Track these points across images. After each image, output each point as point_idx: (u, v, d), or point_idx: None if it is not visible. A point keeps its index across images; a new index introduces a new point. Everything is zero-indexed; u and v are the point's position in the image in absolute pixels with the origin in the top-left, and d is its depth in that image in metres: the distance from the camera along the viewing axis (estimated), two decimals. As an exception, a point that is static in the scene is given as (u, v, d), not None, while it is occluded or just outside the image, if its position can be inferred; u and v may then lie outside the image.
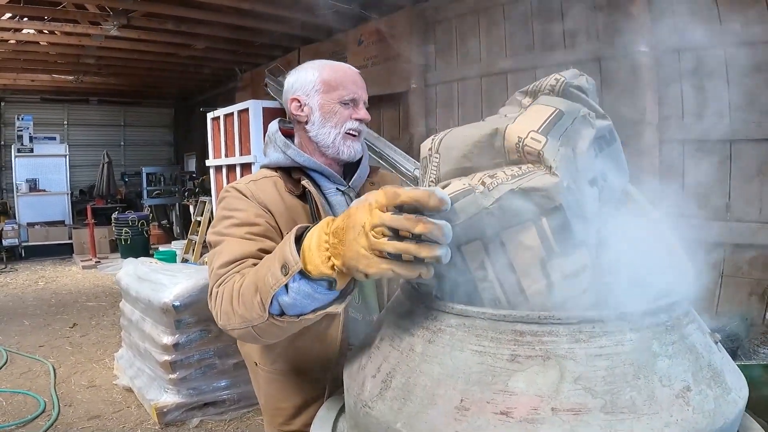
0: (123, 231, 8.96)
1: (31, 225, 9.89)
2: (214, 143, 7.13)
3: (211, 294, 1.04)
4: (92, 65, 8.12)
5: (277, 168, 1.31)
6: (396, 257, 0.67)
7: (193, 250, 7.82)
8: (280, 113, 6.12)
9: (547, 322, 0.63)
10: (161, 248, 8.65)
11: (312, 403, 1.24)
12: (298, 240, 0.82)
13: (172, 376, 2.81)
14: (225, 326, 0.97)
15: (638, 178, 3.43)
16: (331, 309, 0.83)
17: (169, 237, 10.49)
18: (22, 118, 10.08)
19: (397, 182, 1.51)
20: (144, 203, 11.11)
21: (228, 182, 6.86)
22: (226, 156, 6.78)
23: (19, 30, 6.22)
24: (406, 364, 0.70)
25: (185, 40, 6.81)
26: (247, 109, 6.11)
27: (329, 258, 0.76)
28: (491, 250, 0.72)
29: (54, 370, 3.72)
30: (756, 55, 3.75)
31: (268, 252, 1.07)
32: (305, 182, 1.26)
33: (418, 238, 0.65)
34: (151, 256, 8.50)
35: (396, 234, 0.66)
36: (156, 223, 10.62)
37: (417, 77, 5.52)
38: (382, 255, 0.67)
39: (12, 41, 6.61)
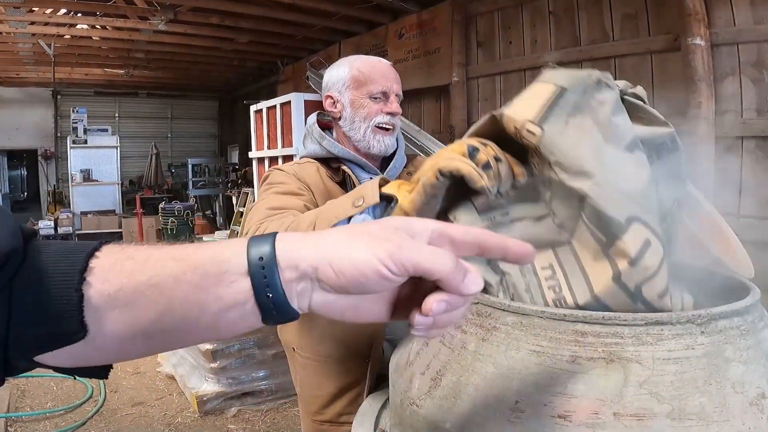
0: (169, 221, 9.22)
1: (84, 214, 10.29)
2: (257, 135, 7.23)
3: (249, 231, 1.06)
4: (141, 59, 8.37)
5: (315, 158, 1.36)
6: (471, 155, 0.72)
7: (235, 240, 7.99)
8: (321, 106, 6.14)
9: (611, 323, 0.60)
10: (205, 238, 8.87)
11: (345, 392, 1.26)
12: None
13: (213, 365, 2.87)
14: None
15: (692, 176, 3.29)
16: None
17: (212, 227, 10.74)
18: (77, 111, 10.49)
19: None
20: (189, 194, 11.40)
21: (269, 175, 6.98)
22: (269, 148, 6.87)
23: (73, 25, 6.47)
24: (457, 362, 0.67)
25: (229, 34, 6.93)
26: (289, 102, 6.16)
27: (400, 188, 0.82)
28: (560, 252, 0.70)
29: (103, 355, 3.86)
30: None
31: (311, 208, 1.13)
32: (345, 167, 1.30)
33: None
34: (195, 245, 8.74)
35: None
36: (200, 214, 10.89)
37: (458, 70, 5.44)
38: (462, 151, 0.72)
39: (67, 36, 6.87)
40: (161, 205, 9.65)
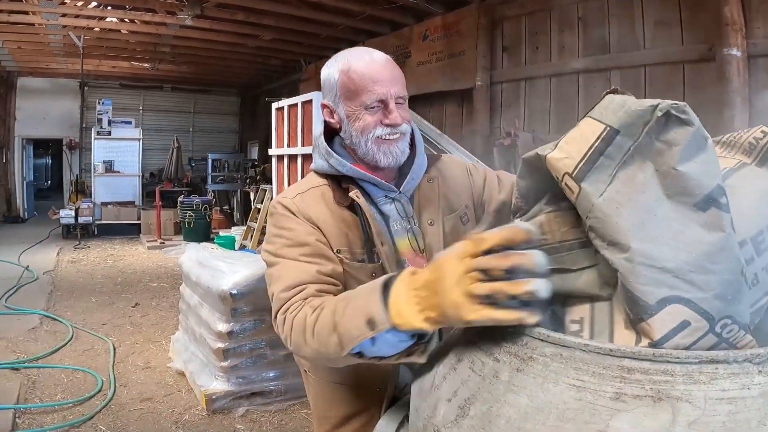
0: (187, 214, 9.27)
1: (104, 204, 10.41)
2: (278, 133, 7.23)
3: (275, 318, 1.03)
4: (167, 53, 8.46)
5: (325, 175, 1.21)
6: (494, 302, 0.64)
7: (252, 236, 8.01)
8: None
9: (662, 360, 0.54)
10: (221, 233, 8.91)
11: (358, 414, 1.21)
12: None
13: (223, 363, 2.85)
14: (295, 352, 1.01)
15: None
16: (413, 359, 0.82)
17: (229, 222, 10.80)
18: (103, 103, 10.64)
19: (459, 169, 1.35)
20: (208, 188, 11.48)
21: (288, 172, 6.98)
22: (289, 146, 6.87)
23: (103, 18, 6.55)
24: (488, 391, 0.63)
25: (254, 30, 6.97)
26: (310, 101, 6.14)
27: (422, 311, 0.74)
28: (597, 308, 0.65)
29: (114, 349, 3.86)
30: None
31: (326, 275, 1.07)
32: (353, 193, 1.15)
33: (512, 275, 0.63)
34: (212, 240, 8.78)
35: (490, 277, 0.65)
36: (218, 208, 10.96)
37: (482, 74, 5.39)
38: (480, 301, 0.65)
39: (96, 29, 6.97)
40: (180, 199, 9.72)
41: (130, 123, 11.40)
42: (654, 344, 0.59)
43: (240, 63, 9.46)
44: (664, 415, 0.52)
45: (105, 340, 4.05)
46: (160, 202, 9.60)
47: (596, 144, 0.63)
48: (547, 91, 4.99)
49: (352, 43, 7.41)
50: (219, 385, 2.87)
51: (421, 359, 0.80)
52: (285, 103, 6.89)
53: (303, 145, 6.50)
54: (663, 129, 0.62)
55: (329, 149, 1.19)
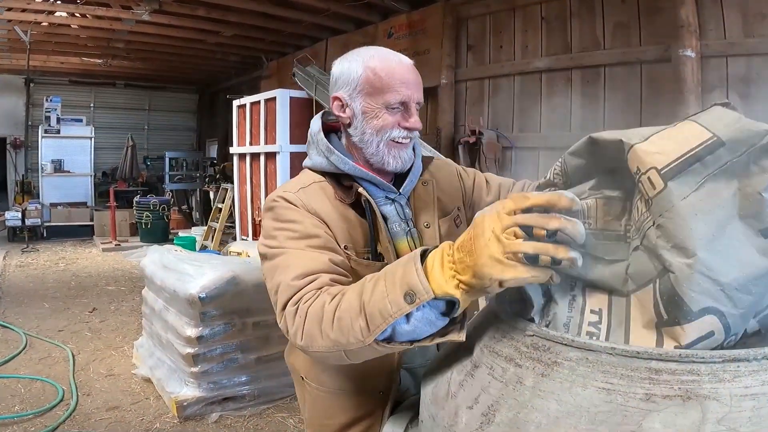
0: (144, 215, 8.98)
1: (54, 205, 9.97)
2: (239, 131, 7.11)
3: (283, 308, 0.94)
4: (121, 49, 8.15)
5: (322, 173, 1.19)
6: (532, 260, 0.63)
7: (213, 237, 7.82)
8: (307, 104, 6.07)
9: (687, 360, 0.55)
10: (181, 233, 8.67)
11: (359, 421, 1.17)
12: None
13: (193, 369, 2.77)
14: (306, 347, 0.90)
15: None
16: (452, 337, 0.75)
17: (188, 222, 10.53)
18: (51, 100, 10.16)
19: (451, 171, 1.36)
20: (166, 188, 11.15)
21: (251, 170, 6.86)
22: (251, 144, 6.76)
23: (52, 12, 6.24)
24: (513, 397, 0.62)
25: (214, 26, 6.79)
26: (274, 98, 6.07)
27: (454, 276, 0.71)
28: (614, 302, 0.65)
29: (73, 356, 3.70)
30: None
31: (337, 265, 1.01)
32: (362, 190, 1.14)
33: (551, 239, 0.63)
34: (171, 241, 8.53)
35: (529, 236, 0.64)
36: (176, 208, 10.67)
37: (447, 72, 5.42)
38: (518, 259, 0.64)
39: (45, 23, 6.64)
40: (136, 199, 9.39)
41: (80, 121, 10.94)
42: (679, 347, 0.60)
43: (198, 59, 9.21)
44: (694, 414, 0.53)
45: (63, 348, 3.87)
46: (115, 203, 9.25)
47: (697, 149, 0.63)
48: (511, 89, 5.07)
49: (315, 41, 7.34)
50: (190, 391, 2.78)
51: (460, 337, 0.74)
52: (247, 100, 6.77)
53: (266, 143, 6.41)
54: (763, 154, 0.63)
55: (330, 146, 1.17)
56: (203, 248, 7.75)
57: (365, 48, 1.20)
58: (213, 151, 12.23)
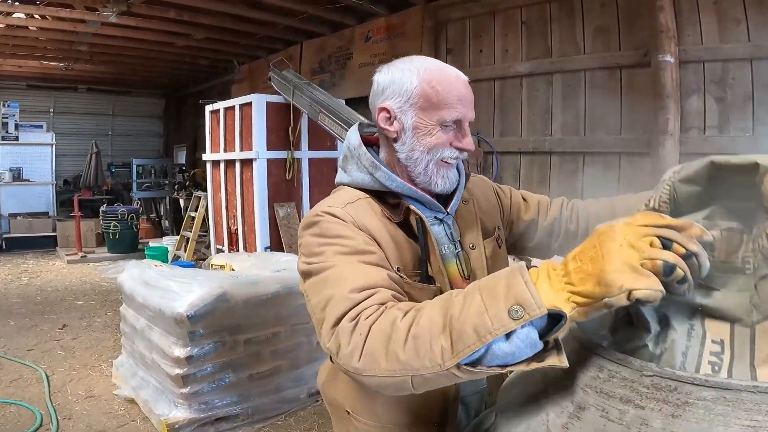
0: (111, 225, 8.66)
1: (13, 216, 9.53)
2: (213, 137, 6.91)
3: (337, 324, 0.84)
4: (84, 52, 7.82)
5: (363, 190, 1.11)
6: (666, 274, 0.61)
7: (186, 246, 7.59)
8: (284, 109, 5.94)
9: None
10: (151, 243, 8.40)
11: None
12: None
13: (183, 390, 2.63)
14: (362, 370, 0.79)
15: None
16: (551, 362, 0.67)
17: (157, 231, 10.21)
18: (8, 105, 9.70)
19: (488, 189, 1.31)
20: (133, 196, 10.80)
21: (225, 178, 6.67)
22: (226, 151, 6.57)
23: (9, 14, 5.93)
24: (640, 441, 0.56)
25: (185, 29, 6.58)
26: (250, 103, 5.91)
27: (566, 288, 0.66)
28: (737, 332, 0.60)
29: (47, 377, 3.50)
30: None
31: (396, 283, 0.93)
32: (413, 208, 1.06)
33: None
34: (141, 251, 8.25)
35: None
36: (144, 217, 10.33)
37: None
38: (655, 268, 0.61)
39: (1, 25, 6.30)
40: (102, 208, 9.06)
41: (40, 127, 10.47)
42: None
43: (166, 63, 8.92)
44: None
45: (34, 368, 3.66)
46: (79, 212, 8.89)
47: None
48: (491, 93, 5.07)
49: (289, 44, 7.21)
50: (180, 413, 2.65)
51: (562, 362, 0.66)
52: (221, 105, 6.59)
53: (242, 149, 6.25)
54: None
55: (375, 161, 1.09)
56: (176, 259, 7.51)
57: (417, 57, 1.14)
58: (181, 158, 11.92)
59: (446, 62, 5.15)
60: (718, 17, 3.84)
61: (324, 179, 6.49)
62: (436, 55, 5.36)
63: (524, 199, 1.34)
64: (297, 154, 6.14)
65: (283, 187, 6.20)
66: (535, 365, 0.68)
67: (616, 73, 4.32)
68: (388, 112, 1.08)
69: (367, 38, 5.92)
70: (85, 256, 8.39)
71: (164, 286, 2.91)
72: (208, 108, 6.86)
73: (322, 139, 6.29)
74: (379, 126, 1.11)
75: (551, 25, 4.52)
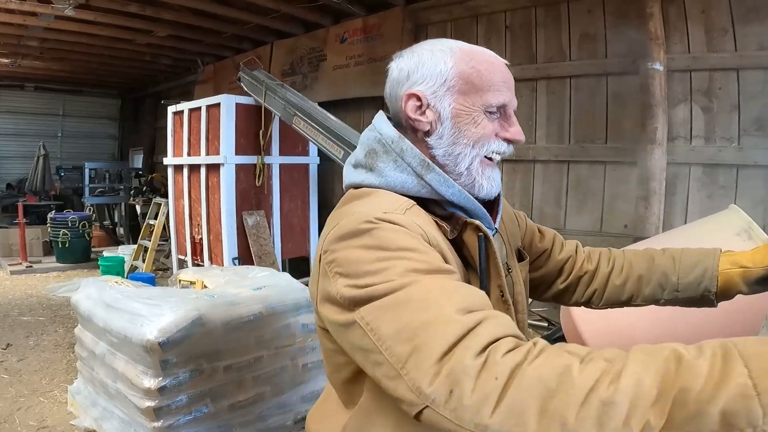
0: (60, 233, 8.05)
1: (-51, 222, 8.79)
2: (175, 140, 6.51)
3: (447, 356, 0.61)
4: (34, 48, 7.26)
5: (404, 195, 0.88)
6: None
7: (144, 256, 7.13)
8: (254, 111, 5.64)
9: None
10: (106, 253, 7.85)
11: None
12: None
13: (156, 424, 2.32)
14: (499, 429, 0.56)
15: (647, 200, 3.18)
16: None
17: (111, 240, 9.63)
18: (-55, 102, 8.96)
19: (508, 209, 1.15)
20: (85, 202, 10.15)
21: (189, 183, 6.29)
22: (190, 155, 6.20)
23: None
24: None
25: (147, 25, 6.17)
26: (218, 104, 5.57)
27: None
28: None
29: (-9, 404, 3.10)
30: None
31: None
32: (479, 223, 0.87)
33: None
34: (94, 261, 7.70)
35: None
36: (97, 224, 9.73)
37: (406, 81, 5.20)
38: None
39: (-61, 15, 5.75)
40: (51, 215, 8.43)
41: (-18, 127, 9.75)
42: None
43: (124, 61, 8.40)
44: None
45: (-25, 398, 3.24)
46: (24, 219, 8.24)
47: None
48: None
49: (258, 44, 6.89)
50: (152, 451, 2.33)
51: None
52: (185, 106, 6.21)
53: (208, 153, 5.89)
54: None
55: (427, 160, 0.87)
56: (133, 270, 7.05)
57: (442, 39, 0.95)
58: (138, 161, 11.35)
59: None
60: (705, 26, 3.82)
61: (296, 186, 6.21)
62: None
63: (539, 229, 1.22)
64: (267, 160, 5.84)
65: (252, 194, 5.90)
66: None
67: (603, 80, 4.25)
68: (419, 99, 0.90)
69: (342, 39, 5.70)
70: (31, 267, 7.76)
71: (130, 309, 2.58)
72: (171, 109, 6.47)
73: (294, 143, 6.01)
74: (407, 117, 0.91)
75: (536, 30, 4.42)
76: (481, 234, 0.86)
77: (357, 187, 0.92)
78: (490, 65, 0.90)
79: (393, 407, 0.79)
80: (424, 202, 0.88)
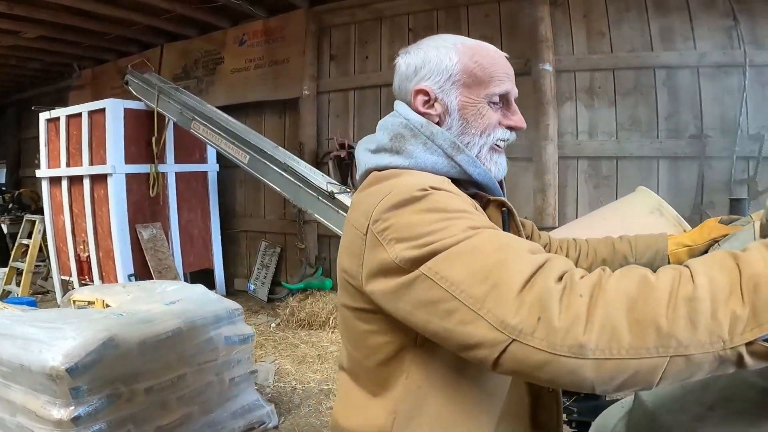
0: None
1: None
2: (50, 150, 5.89)
3: (528, 285, 0.62)
4: None
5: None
6: None
7: (20, 280, 6.33)
8: (145, 117, 5.25)
9: None
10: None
11: None
12: None
13: (69, 463, 2.06)
14: (593, 347, 0.57)
15: (544, 192, 3.45)
16: None
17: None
18: None
19: None
20: (-63, 224, 8.82)
21: (70, 197, 5.69)
22: (69, 165, 5.63)
23: None
24: None
25: (14, 25, 5.49)
26: (103, 110, 5.12)
27: None
28: None
29: None
30: (639, 78, 4.14)
31: None
32: (503, 199, 0.95)
33: None
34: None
35: None
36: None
37: (310, 83, 5.15)
38: None
39: None
40: None
41: None
42: None
43: (-18, 65, 7.45)
44: None
45: None
46: None
47: None
48: (378, 101, 5.00)
49: (147, 46, 6.44)
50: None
51: None
52: (62, 112, 5.63)
53: (92, 163, 5.38)
54: None
55: (456, 142, 0.92)
56: (6, 295, 6.24)
57: (445, 35, 1.02)
58: (1, 176, 10.11)
59: (330, 69, 4.96)
60: (587, 29, 4.20)
61: (194, 195, 5.88)
62: (319, 62, 5.16)
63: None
64: (162, 168, 5.47)
65: (146, 205, 5.49)
66: None
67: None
68: (427, 94, 0.95)
69: (241, 42, 5.50)
70: None
71: (22, 334, 2.28)
72: (44, 116, 5.83)
73: (191, 150, 5.70)
74: (417, 110, 0.96)
75: (438, 32, 4.55)
76: (504, 209, 0.95)
77: (381, 170, 0.93)
78: (491, 58, 0.95)
79: (445, 379, 0.82)
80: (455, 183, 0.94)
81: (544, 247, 1.24)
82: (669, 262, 1.16)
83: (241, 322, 2.94)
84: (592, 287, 0.60)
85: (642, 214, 2.01)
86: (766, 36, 3.76)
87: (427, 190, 0.79)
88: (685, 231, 1.94)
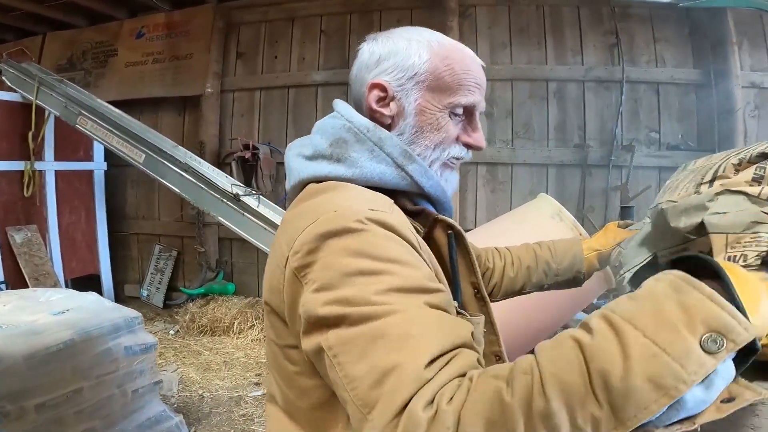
0: None
1: None
2: None
3: (400, 414, 0.55)
4: None
5: (376, 188, 0.82)
6: None
7: None
8: (20, 109, 4.73)
9: None
10: None
11: None
12: None
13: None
14: None
15: (455, 198, 3.60)
16: (750, 396, 0.52)
17: None
18: None
19: None
20: None
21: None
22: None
23: None
24: None
25: None
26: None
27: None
28: None
29: None
30: (534, 90, 4.46)
31: (471, 335, 0.66)
32: (449, 220, 0.84)
33: None
34: None
35: None
36: None
37: (214, 81, 4.94)
38: None
39: None
40: None
41: None
42: None
43: None
44: None
45: None
46: None
47: None
48: (285, 101, 4.92)
49: (26, 34, 5.78)
50: None
51: (760, 393, 0.52)
52: None
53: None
54: None
55: (408, 150, 0.82)
56: None
57: (422, 29, 0.90)
58: None
59: (236, 67, 4.82)
60: (490, 40, 4.44)
61: (78, 196, 5.38)
62: (225, 59, 4.97)
63: None
64: (39, 166, 4.95)
65: (19, 206, 4.94)
66: (728, 408, 0.52)
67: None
68: (385, 90, 0.84)
69: (139, 34, 5.14)
70: None
71: None
72: None
73: (74, 147, 5.21)
74: (368, 106, 0.85)
75: (350, 36, 4.62)
76: (451, 232, 0.84)
77: (319, 180, 0.82)
78: (464, 65, 0.86)
79: None
80: (393, 195, 0.83)
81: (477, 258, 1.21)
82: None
83: (141, 330, 2.75)
84: (456, 415, 0.53)
85: (544, 218, 2.18)
86: (641, 54, 4.22)
87: (364, 223, 0.68)
88: (581, 234, 2.11)
